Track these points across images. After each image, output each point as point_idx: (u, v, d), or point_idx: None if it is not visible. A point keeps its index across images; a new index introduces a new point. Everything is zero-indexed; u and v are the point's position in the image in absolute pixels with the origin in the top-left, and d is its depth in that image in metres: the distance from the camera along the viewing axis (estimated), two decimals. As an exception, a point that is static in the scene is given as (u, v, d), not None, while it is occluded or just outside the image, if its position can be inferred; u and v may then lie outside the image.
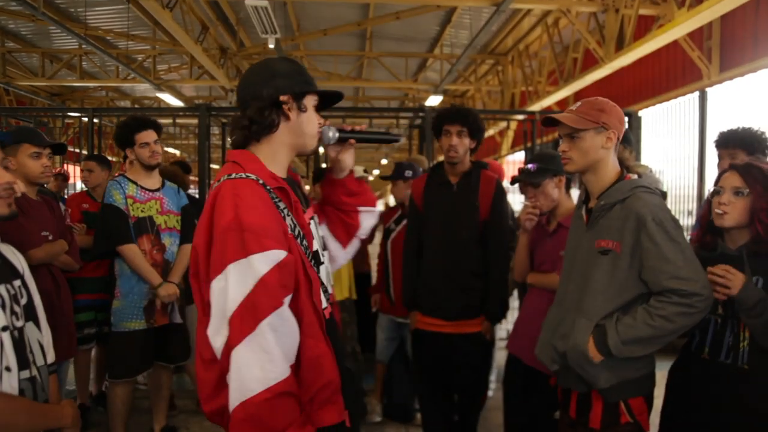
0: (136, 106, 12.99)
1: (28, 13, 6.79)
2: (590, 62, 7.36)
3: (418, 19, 7.92)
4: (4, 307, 1.39)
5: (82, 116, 5.57)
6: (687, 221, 6.10)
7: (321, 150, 4.27)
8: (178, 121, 11.36)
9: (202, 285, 1.33)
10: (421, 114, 5.58)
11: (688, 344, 1.90)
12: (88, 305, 3.46)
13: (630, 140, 3.25)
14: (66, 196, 4.43)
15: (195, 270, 1.35)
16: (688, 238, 3.11)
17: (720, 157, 2.75)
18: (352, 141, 1.58)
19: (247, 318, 1.23)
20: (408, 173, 3.54)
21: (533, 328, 2.19)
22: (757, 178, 1.76)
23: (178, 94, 10.86)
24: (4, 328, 1.37)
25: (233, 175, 1.34)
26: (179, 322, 3.05)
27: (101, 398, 3.71)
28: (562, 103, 9.11)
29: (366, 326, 3.99)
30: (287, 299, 1.30)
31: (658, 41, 5.45)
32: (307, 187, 3.90)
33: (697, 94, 6.23)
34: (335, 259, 1.70)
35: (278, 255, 1.27)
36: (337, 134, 1.54)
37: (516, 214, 3.92)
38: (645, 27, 6.13)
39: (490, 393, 3.79)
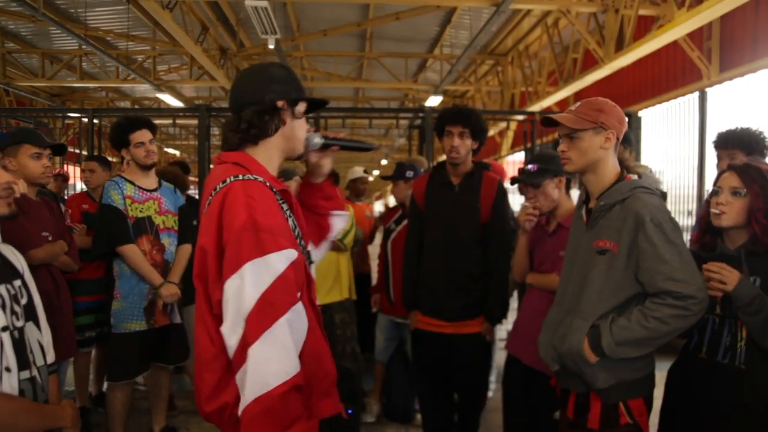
0: (136, 106, 12.99)
1: (28, 14, 6.79)
2: (590, 63, 7.37)
3: (418, 20, 7.92)
4: (4, 308, 1.39)
5: (82, 117, 5.58)
6: (687, 221, 6.10)
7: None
8: (178, 121, 11.37)
9: (210, 285, 1.34)
10: (420, 114, 5.59)
11: (688, 344, 1.91)
12: (88, 308, 3.46)
13: (630, 140, 3.25)
14: (66, 197, 4.43)
15: (200, 270, 1.36)
16: (687, 238, 3.11)
17: (719, 157, 2.76)
18: (335, 148, 1.64)
19: (265, 315, 1.26)
20: (409, 174, 3.54)
21: (533, 329, 2.19)
22: (755, 179, 1.77)
23: (178, 95, 10.87)
24: (4, 329, 1.37)
25: (240, 177, 1.36)
26: (179, 323, 3.05)
27: (101, 399, 3.71)
28: (562, 104, 9.11)
29: (366, 327, 3.99)
30: (299, 296, 1.35)
31: (657, 41, 5.45)
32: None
33: (696, 94, 6.23)
34: None
35: (292, 254, 1.33)
36: (321, 140, 1.60)
37: (515, 215, 3.92)
38: (645, 27, 6.14)
39: (490, 393, 3.79)
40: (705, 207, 1.93)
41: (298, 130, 1.51)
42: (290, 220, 1.42)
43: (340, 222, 1.75)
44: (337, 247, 3.67)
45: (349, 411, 2.95)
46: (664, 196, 3.17)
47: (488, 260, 2.70)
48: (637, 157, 5.98)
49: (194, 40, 7.44)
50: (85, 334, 3.45)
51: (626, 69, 6.77)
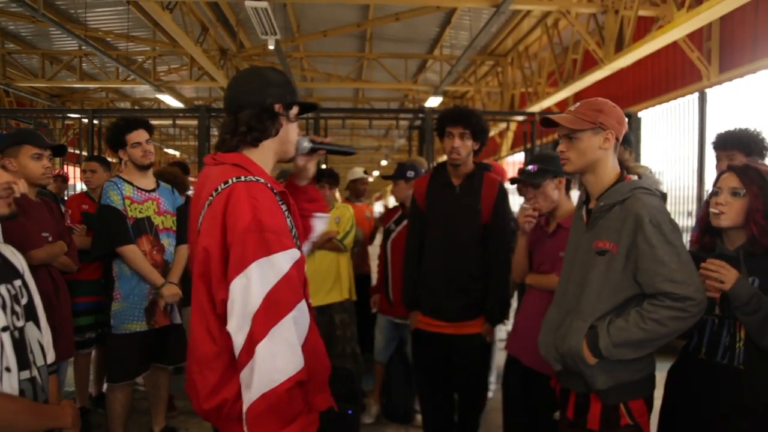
0: (136, 107, 12.99)
1: (28, 15, 6.80)
2: (590, 63, 7.37)
3: (418, 21, 7.93)
4: (4, 308, 1.39)
5: (82, 117, 5.59)
6: (686, 222, 6.11)
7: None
8: (178, 122, 11.38)
9: (214, 285, 1.36)
10: (420, 115, 5.60)
11: (687, 345, 1.91)
12: (88, 308, 3.45)
13: (630, 141, 3.25)
14: (66, 198, 4.43)
15: (203, 270, 1.38)
16: (687, 238, 3.11)
17: (718, 158, 2.76)
18: (322, 152, 1.67)
19: (272, 313, 1.29)
20: (410, 173, 3.55)
21: (532, 329, 2.19)
22: (754, 180, 1.77)
23: (177, 96, 10.87)
24: (5, 329, 1.37)
25: (243, 178, 1.38)
26: (179, 323, 3.05)
27: (101, 400, 3.71)
28: (562, 104, 9.12)
29: (366, 327, 4.00)
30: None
31: (657, 42, 5.45)
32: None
33: (696, 95, 6.23)
34: None
35: (296, 253, 1.38)
36: (310, 144, 1.63)
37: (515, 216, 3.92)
38: (644, 28, 6.14)
39: (490, 393, 3.79)
40: (705, 208, 1.94)
41: (291, 133, 1.54)
42: (288, 220, 1.45)
43: (321, 224, 1.79)
44: (337, 247, 3.68)
45: (349, 411, 2.96)
46: (663, 196, 3.18)
47: (488, 261, 2.70)
48: (637, 158, 6.00)
49: (194, 40, 7.44)
50: (84, 335, 3.45)
51: (626, 70, 6.78)
